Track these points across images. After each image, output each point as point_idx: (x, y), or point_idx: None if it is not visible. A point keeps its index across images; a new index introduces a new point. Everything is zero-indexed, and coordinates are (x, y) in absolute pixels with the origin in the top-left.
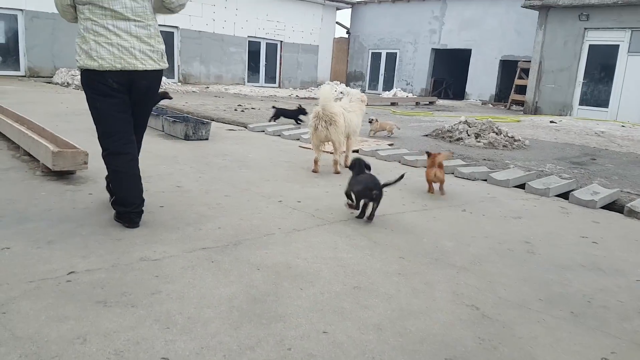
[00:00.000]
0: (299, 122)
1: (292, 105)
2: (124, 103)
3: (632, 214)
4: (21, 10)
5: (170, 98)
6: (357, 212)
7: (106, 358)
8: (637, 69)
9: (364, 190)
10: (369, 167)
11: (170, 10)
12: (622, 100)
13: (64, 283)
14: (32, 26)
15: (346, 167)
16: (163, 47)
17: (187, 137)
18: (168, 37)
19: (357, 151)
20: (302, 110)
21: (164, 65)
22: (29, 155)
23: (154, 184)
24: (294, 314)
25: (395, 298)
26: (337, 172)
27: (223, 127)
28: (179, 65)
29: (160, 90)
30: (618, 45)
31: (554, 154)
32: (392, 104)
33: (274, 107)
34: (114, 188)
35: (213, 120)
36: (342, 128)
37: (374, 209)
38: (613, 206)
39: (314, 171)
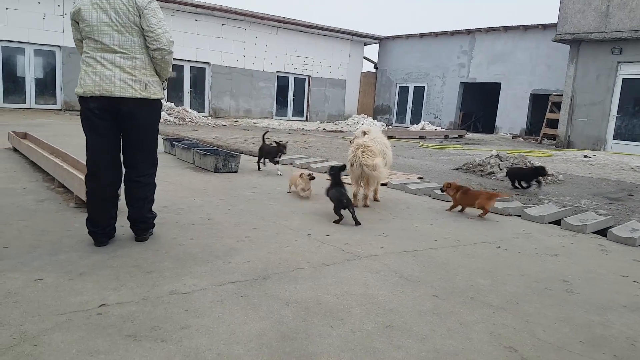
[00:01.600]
0: (539, 184)
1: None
2: (105, 128)
3: None
4: (59, 46)
5: (284, 153)
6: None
7: None
8: None
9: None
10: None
11: (154, 57)
12: None
13: (95, 316)
14: (69, 62)
15: (375, 200)
16: (151, 79)
17: (217, 170)
18: (200, 73)
19: (385, 184)
20: (539, 171)
21: (147, 95)
22: (63, 187)
23: (185, 216)
24: (324, 352)
25: (429, 339)
26: (367, 206)
27: (252, 160)
28: (209, 100)
29: (279, 141)
30: None
31: (589, 189)
32: (421, 137)
33: (508, 169)
34: (87, 207)
35: (242, 153)
36: (382, 170)
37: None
38: None
39: (354, 205)
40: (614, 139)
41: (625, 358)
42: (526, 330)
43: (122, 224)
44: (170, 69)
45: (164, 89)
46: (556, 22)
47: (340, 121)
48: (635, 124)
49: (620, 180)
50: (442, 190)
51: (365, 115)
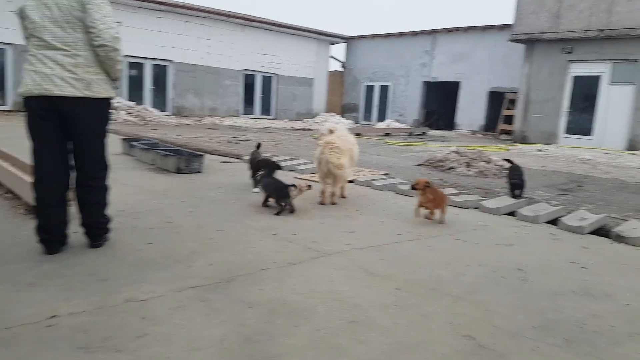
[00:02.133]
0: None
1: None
2: (50, 130)
3: (619, 238)
4: (11, 44)
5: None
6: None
7: None
8: (618, 99)
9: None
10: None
11: (98, 54)
12: (606, 128)
13: (44, 328)
14: (22, 60)
15: (342, 197)
16: (95, 77)
17: (179, 171)
18: (162, 71)
19: (352, 181)
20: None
21: (90, 94)
22: (12, 192)
23: (143, 220)
24: (288, 353)
25: (392, 331)
26: (334, 203)
27: (217, 160)
28: (172, 98)
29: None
30: (600, 77)
31: (542, 181)
32: (386, 134)
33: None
34: (35, 214)
35: (207, 152)
36: (348, 170)
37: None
38: (600, 231)
39: (321, 202)
40: (565, 134)
41: (575, 340)
42: (483, 318)
43: (76, 231)
44: (119, 67)
45: (116, 88)
46: (512, 23)
47: (308, 119)
48: (584, 119)
49: (571, 172)
50: (414, 188)
51: (334, 113)
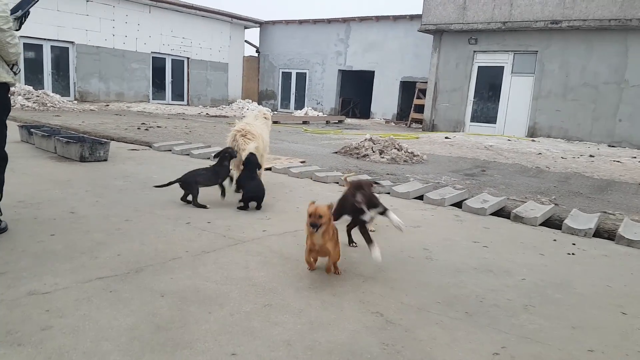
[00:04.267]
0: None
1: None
2: None
3: (517, 219)
4: None
5: None
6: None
7: None
8: (520, 88)
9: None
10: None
11: None
12: (508, 116)
13: None
14: None
15: None
16: None
17: (83, 159)
18: (63, 53)
19: (269, 169)
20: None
21: None
22: None
23: (44, 211)
24: (201, 338)
25: (305, 312)
26: None
27: (124, 147)
28: (74, 82)
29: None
30: (503, 67)
31: (448, 167)
32: (304, 122)
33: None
34: None
35: (113, 139)
36: (261, 152)
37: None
38: (501, 213)
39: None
40: (471, 122)
41: (475, 313)
42: (391, 295)
43: None
44: (13, 50)
45: (16, 73)
46: (421, 13)
47: (224, 106)
48: (489, 108)
49: (475, 158)
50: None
51: (250, 100)
